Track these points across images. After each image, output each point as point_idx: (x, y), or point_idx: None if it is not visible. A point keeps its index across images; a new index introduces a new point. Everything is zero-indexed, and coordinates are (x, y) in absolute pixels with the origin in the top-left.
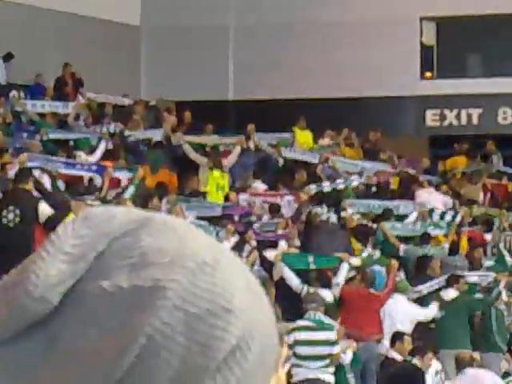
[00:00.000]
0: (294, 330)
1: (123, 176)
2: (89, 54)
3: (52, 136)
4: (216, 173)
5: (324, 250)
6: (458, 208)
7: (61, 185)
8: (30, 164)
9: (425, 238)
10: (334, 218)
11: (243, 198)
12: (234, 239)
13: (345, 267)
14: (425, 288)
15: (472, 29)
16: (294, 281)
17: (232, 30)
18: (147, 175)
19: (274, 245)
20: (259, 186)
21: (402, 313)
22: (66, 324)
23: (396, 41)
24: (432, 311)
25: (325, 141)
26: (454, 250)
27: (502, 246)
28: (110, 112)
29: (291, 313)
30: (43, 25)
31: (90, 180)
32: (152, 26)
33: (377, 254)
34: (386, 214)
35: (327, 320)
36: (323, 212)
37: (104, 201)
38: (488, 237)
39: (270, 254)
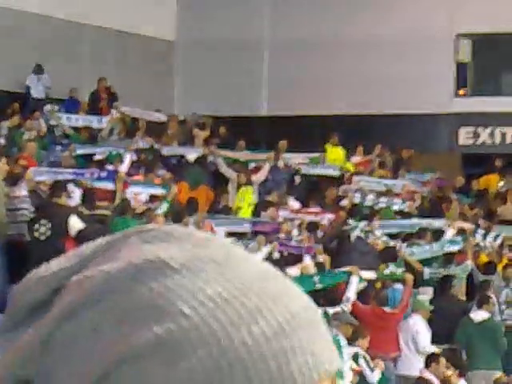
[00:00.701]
0: None
1: (157, 192)
2: (123, 69)
3: (80, 151)
4: (244, 188)
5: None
6: (493, 228)
7: (91, 197)
8: (37, 178)
9: (449, 259)
10: (362, 235)
11: (283, 214)
12: (266, 250)
13: (355, 281)
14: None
15: (508, 46)
16: None
17: (266, 45)
18: (185, 191)
19: (298, 259)
20: (293, 203)
21: (423, 334)
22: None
23: (431, 57)
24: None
25: (356, 158)
26: (491, 268)
27: None
28: (144, 126)
29: None
30: (79, 39)
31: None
32: (186, 41)
33: (399, 270)
34: (421, 234)
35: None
36: (358, 226)
37: (118, 206)
38: None
39: (291, 272)
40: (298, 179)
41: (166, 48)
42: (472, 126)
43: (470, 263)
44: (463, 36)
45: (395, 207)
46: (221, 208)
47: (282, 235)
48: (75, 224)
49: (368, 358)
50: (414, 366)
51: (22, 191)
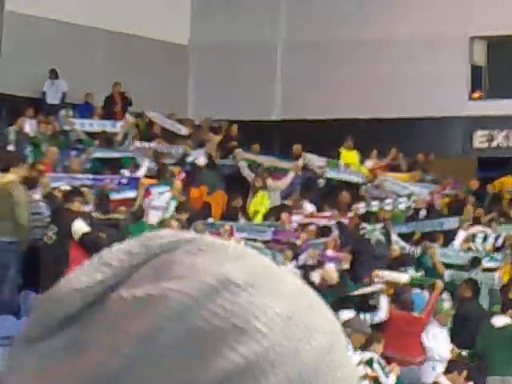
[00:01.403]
0: None
1: (162, 190)
2: (137, 73)
3: (97, 155)
4: (261, 193)
5: (365, 272)
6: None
7: (106, 201)
8: (55, 183)
9: (475, 263)
10: (381, 238)
11: (296, 219)
12: (293, 265)
13: (384, 300)
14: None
15: None
16: None
17: (279, 48)
18: (205, 196)
19: (319, 265)
20: (307, 206)
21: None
22: (85, 327)
23: (446, 60)
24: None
25: (370, 162)
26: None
27: None
28: (158, 131)
29: None
30: (93, 44)
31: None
32: (200, 45)
33: (418, 274)
34: (434, 236)
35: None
36: (374, 229)
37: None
38: None
39: (314, 278)
40: (322, 182)
41: (180, 52)
42: (487, 129)
43: (497, 276)
44: (478, 38)
45: (401, 206)
46: (238, 212)
47: (300, 242)
48: (80, 228)
49: (383, 362)
50: (426, 372)
51: (37, 196)
